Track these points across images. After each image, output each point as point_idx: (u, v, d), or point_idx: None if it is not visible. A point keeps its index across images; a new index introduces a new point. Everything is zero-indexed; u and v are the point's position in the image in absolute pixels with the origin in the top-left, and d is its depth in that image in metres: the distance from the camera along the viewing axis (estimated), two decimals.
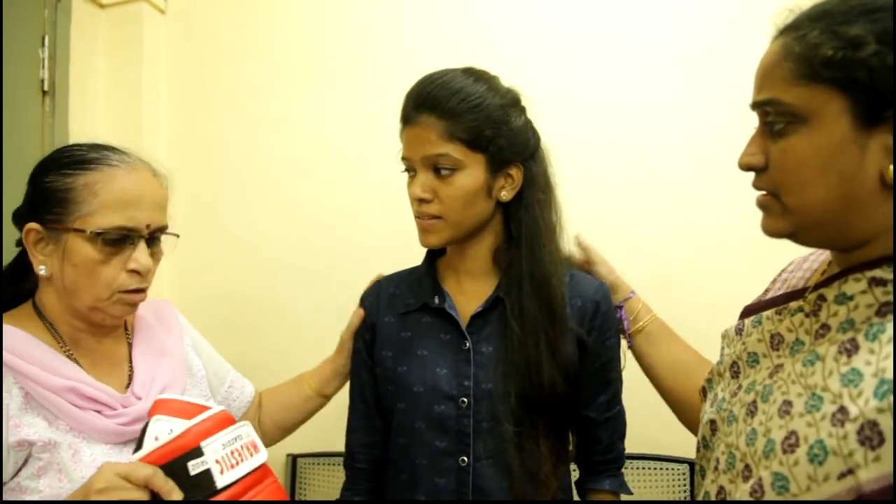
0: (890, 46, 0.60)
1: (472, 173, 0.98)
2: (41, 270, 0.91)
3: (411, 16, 1.76)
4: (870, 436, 0.56)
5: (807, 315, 0.71)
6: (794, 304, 0.73)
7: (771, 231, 0.71)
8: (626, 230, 1.66)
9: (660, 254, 1.65)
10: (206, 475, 0.80)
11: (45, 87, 1.61)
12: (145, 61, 1.81)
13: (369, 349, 1.12)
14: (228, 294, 1.87)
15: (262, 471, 0.86)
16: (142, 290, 0.94)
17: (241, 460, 0.84)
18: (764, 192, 0.71)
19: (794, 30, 0.66)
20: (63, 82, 1.65)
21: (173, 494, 0.77)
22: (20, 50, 1.57)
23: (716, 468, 0.75)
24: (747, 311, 0.84)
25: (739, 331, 0.82)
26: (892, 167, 0.61)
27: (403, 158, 1.02)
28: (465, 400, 1.01)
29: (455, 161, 0.97)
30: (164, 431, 0.84)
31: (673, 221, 1.66)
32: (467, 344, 1.03)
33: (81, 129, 1.65)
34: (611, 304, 1.09)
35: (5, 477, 0.82)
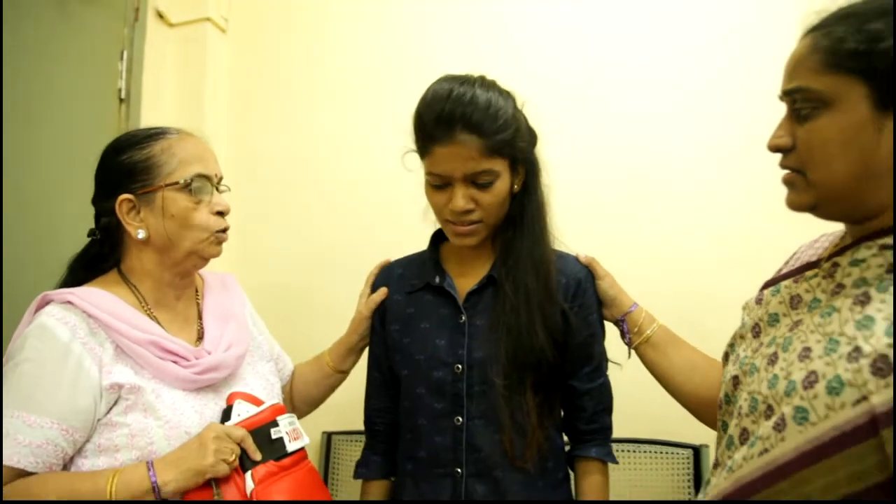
0: None
1: (504, 179, 1.07)
2: (140, 234, 1.01)
3: (442, 36, 1.92)
4: (881, 367, 0.62)
5: (823, 278, 0.78)
6: (809, 272, 0.81)
7: (796, 204, 0.78)
8: (641, 234, 1.77)
9: (672, 257, 1.75)
10: (280, 441, 1.03)
11: (122, 96, 1.81)
12: (208, 74, 1.99)
13: (382, 324, 1.23)
14: (279, 285, 2.00)
15: (304, 450, 1.08)
16: (226, 230, 1.08)
17: (299, 437, 1.07)
18: (789, 171, 0.78)
19: (822, 28, 0.74)
20: (137, 92, 1.83)
21: (256, 455, 1.00)
22: (102, 63, 1.78)
23: (738, 414, 0.79)
24: (766, 285, 0.91)
25: (759, 300, 0.88)
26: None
27: (435, 174, 1.06)
28: (460, 366, 1.11)
29: (494, 173, 1.05)
30: (244, 411, 1.04)
31: (687, 227, 1.75)
32: (463, 318, 1.13)
33: None
34: (592, 282, 1.17)
35: (99, 414, 0.95)
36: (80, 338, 0.95)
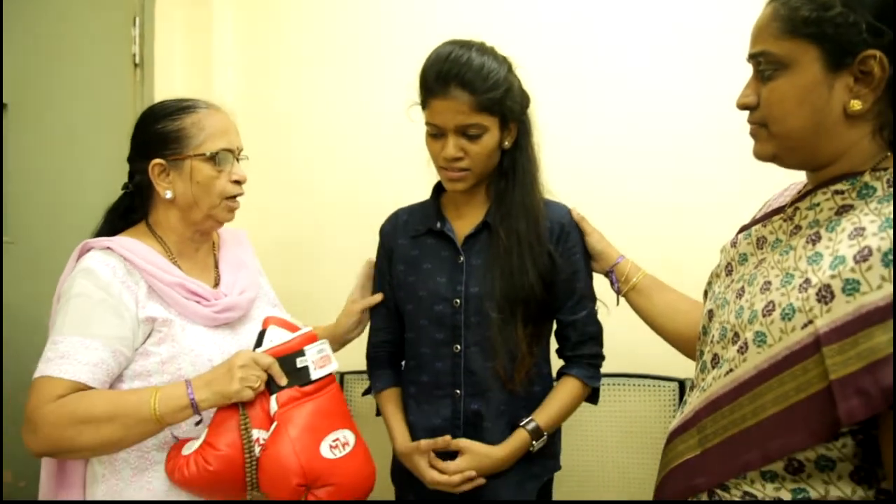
0: (851, 8, 0.74)
1: (492, 133, 1.18)
2: (167, 195, 1.15)
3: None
4: (825, 295, 0.72)
5: (784, 221, 0.87)
6: (776, 217, 0.90)
7: (760, 154, 0.87)
8: (631, 188, 1.86)
9: (659, 207, 1.85)
10: (306, 369, 1.12)
11: (137, 61, 1.89)
12: (215, 38, 2.07)
13: (388, 266, 1.35)
14: (283, 240, 2.11)
15: (332, 375, 1.17)
16: (236, 197, 1.21)
17: (326, 364, 1.15)
18: (755, 125, 0.86)
19: None
20: (150, 56, 1.91)
21: (282, 380, 1.10)
22: (117, 29, 1.86)
23: (711, 342, 0.89)
24: (741, 229, 0.99)
25: (734, 243, 0.97)
26: (853, 101, 0.76)
27: (432, 125, 1.19)
28: (458, 301, 1.24)
29: (483, 127, 1.17)
30: (276, 337, 1.13)
31: (673, 180, 1.84)
32: (461, 258, 1.26)
33: (164, 95, 1.90)
34: (575, 226, 1.28)
35: (136, 343, 1.09)
36: (120, 277, 1.10)
